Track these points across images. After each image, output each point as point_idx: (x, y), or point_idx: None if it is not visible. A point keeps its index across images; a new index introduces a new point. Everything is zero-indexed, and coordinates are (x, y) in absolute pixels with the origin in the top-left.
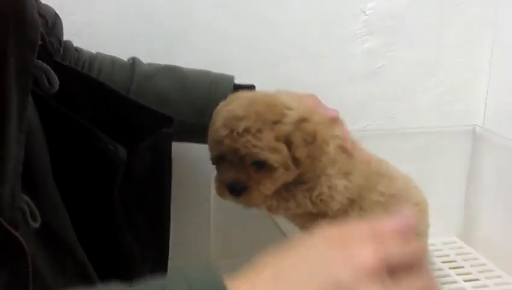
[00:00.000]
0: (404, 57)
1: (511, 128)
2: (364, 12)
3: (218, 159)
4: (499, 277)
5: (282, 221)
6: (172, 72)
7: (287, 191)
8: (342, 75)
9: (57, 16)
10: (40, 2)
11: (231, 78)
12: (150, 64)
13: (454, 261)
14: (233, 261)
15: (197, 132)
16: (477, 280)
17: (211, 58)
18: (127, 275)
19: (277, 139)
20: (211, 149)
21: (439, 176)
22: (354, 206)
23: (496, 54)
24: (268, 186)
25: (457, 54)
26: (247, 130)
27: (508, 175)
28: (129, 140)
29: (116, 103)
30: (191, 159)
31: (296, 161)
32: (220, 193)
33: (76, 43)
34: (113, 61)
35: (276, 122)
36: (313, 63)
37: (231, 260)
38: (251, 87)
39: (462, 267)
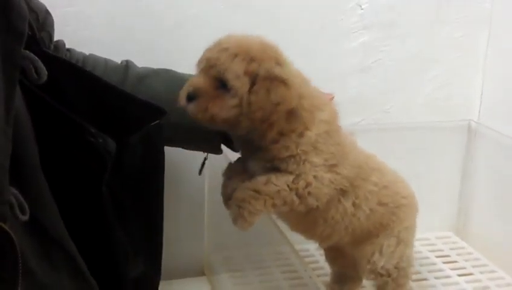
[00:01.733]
0: (399, 52)
1: (505, 124)
2: (360, 7)
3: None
4: (492, 271)
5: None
6: (166, 74)
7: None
8: (337, 69)
9: (48, 13)
10: None
11: None
12: (143, 67)
13: (449, 256)
14: (227, 255)
15: (190, 135)
16: (471, 274)
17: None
18: (119, 270)
19: (245, 72)
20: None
21: (434, 171)
22: (347, 196)
23: (491, 50)
24: (215, 105)
25: (453, 49)
26: (225, 50)
27: (503, 170)
28: (119, 132)
29: (106, 94)
30: (185, 153)
31: (249, 104)
32: (181, 97)
33: (68, 35)
34: (106, 63)
35: (253, 61)
36: (308, 56)
37: (225, 254)
38: None
39: (456, 261)
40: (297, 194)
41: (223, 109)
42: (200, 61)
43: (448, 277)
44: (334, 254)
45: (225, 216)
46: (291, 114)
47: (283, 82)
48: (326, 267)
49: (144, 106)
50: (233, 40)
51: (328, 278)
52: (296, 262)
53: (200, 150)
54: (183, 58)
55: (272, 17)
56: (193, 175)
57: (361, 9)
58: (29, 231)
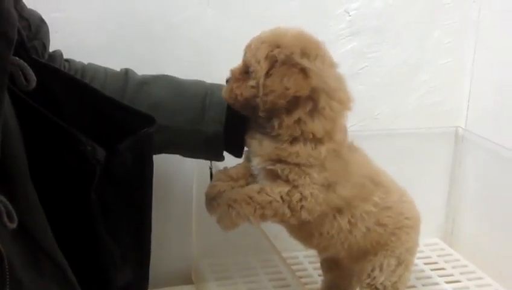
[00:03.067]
0: (387, 58)
1: (493, 130)
2: (348, 13)
3: None
4: (480, 278)
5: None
6: (166, 81)
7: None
8: None
9: (43, 22)
10: (25, 6)
11: None
12: (142, 75)
13: (436, 263)
14: (215, 262)
15: (193, 141)
16: (458, 281)
17: (195, 55)
18: (106, 278)
19: (266, 57)
20: None
21: (422, 177)
22: (343, 214)
23: (478, 56)
24: (238, 87)
25: (440, 56)
26: (260, 38)
27: (490, 176)
28: (109, 140)
29: (95, 101)
30: (174, 161)
31: (264, 86)
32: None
33: (56, 41)
34: (106, 71)
35: (277, 47)
36: None
37: (213, 260)
38: None
39: (444, 269)
40: (289, 207)
41: (244, 90)
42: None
43: (436, 283)
44: (330, 263)
45: (213, 224)
46: (315, 109)
47: (301, 70)
48: (314, 275)
49: (133, 114)
50: (273, 30)
51: (315, 286)
52: (284, 270)
53: (202, 157)
54: (173, 63)
55: (261, 23)
56: (181, 183)
57: (349, 15)
58: (17, 239)
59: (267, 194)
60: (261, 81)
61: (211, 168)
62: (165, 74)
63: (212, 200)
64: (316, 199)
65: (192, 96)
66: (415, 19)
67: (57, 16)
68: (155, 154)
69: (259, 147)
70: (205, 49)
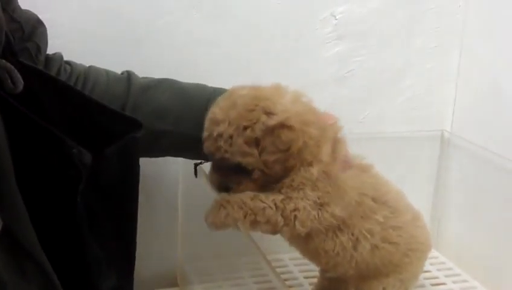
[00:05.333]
0: (373, 62)
1: (478, 134)
2: (335, 17)
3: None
4: (465, 281)
5: None
6: (169, 85)
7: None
8: (311, 79)
9: (39, 23)
10: (18, 7)
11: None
12: (145, 78)
13: None
14: (200, 265)
15: (196, 145)
16: (444, 284)
17: (180, 58)
18: (91, 282)
19: (247, 143)
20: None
21: (407, 181)
22: (342, 231)
23: (463, 60)
24: (248, 185)
25: (426, 60)
26: (220, 136)
27: (475, 180)
28: (95, 144)
29: (82, 105)
30: (159, 164)
31: (266, 164)
32: (214, 189)
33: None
34: (108, 74)
35: (246, 128)
36: (283, 66)
37: (198, 263)
38: None
39: (430, 271)
40: (283, 215)
41: (255, 183)
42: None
43: (421, 286)
44: (334, 286)
45: (199, 227)
46: (300, 150)
47: (284, 127)
48: (299, 278)
49: (120, 118)
50: (218, 118)
51: (301, 289)
52: (269, 272)
53: (199, 159)
54: (157, 66)
55: (246, 27)
56: (167, 186)
57: (336, 19)
58: (1, 242)
59: (261, 200)
60: (265, 169)
61: (195, 165)
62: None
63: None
64: (308, 214)
65: (195, 101)
66: (401, 23)
67: (41, 17)
68: (160, 157)
69: None
70: (190, 52)
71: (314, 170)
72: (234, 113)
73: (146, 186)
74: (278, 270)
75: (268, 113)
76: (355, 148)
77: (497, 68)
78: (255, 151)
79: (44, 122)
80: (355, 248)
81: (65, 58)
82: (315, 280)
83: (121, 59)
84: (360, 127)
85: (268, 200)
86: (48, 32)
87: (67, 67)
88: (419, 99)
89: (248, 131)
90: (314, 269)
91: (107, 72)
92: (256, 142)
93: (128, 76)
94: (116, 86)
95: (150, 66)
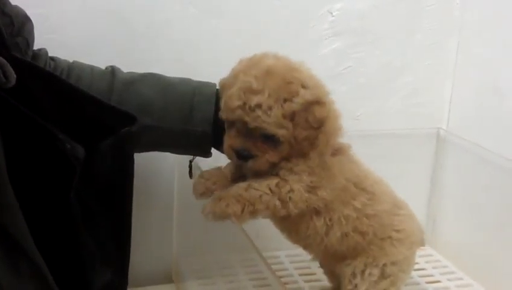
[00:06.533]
0: (370, 59)
1: (474, 132)
2: (332, 13)
3: (229, 122)
4: (460, 279)
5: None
6: (153, 80)
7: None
8: None
9: (27, 19)
10: (8, 2)
11: (213, 84)
12: (129, 73)
13: (417, 263)
14: (195, 261)
15: (181, 140)
16: (439, 282)
17: (176, 54)
18: (85, 279)
19: (284, 116)
20: (223, 112)
21: (403, 179)
22: (320, 216)
23: (460, 58)
24: (273, 156)
25: (423, 57)
26: (258, 106)
27: (471, 178)
28: (89, 139)
29: (76, 100)
30: (154, 158)
31: (296, 139)
32: (228, 155)
33: (36, 37)
34: (92, 70)
35: (286, 100)
36: None
37: (193, 259)
38: None
39: (425, 269)
40: (279, 198)
41: (280, 154)
42: (230, 115)
43: (416, 283)
44: (327, 268)
45: (194, 223)
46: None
47: (318, 103)
48: (294, 275)
49: (114, 112)
50: (255, 88)
51: (296, 286)
52: (264, 269)
53: (190, 154)
54: (154, 62)
55: (243, 23)
56: (162, 181)
57: (333, 16)
58: None
59: (255, 189)
60: (293, 143)
61: (191, 161)
62: (149, 72)
63: (200, 196)
64: (301, 195)
65: (180, 96)
66: (398, 20)
67: (36, 12)
68: (142, 152)
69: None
70: (187, 48)
71: (316, 158)
72: (273, 83)
73: (141, 182)
74: (274, 267)
75: (305, 87)
76: (352, 145)
77: (494, 66)
78: (290, 125)
79: (37, 116)
80: (327, 233)
81: (58, 54)
82: (311, 277)
83: (115, 55)
84: (356, 124)
85: (262, 187)
86: (40, 27)
87: (51, 62)
88: (416, 97)
89: (287, 104)
90: (310, 266)
91: (92, 68)
92: (291, 116)
93: (112, 71)
94: (100, 81)
95: (145, 63)
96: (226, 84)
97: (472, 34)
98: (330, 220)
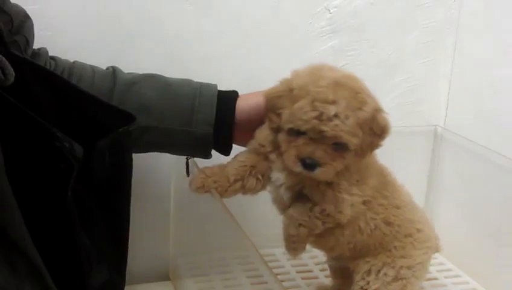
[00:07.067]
0: (367, 56)
1: (471, 129)
2: (329, 11)
3: (295, 132)
4: (457, 276)
5: (240, 219)
6: (154, 81)
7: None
8: None
9: (27, 17)
10: (8, 0)
11: (215, 86)
12: (130, 73)
13: None
14: (192, 259)
15: (181, 141)
16: (435, 279)
17: (171, 51)
18: (82, 278)
19: (357, 125)
20: (289, 122)
21: (400, 176)
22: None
23: (457, 55)
24: (340, 164)
25: (420, 55)
26: (336, 116)
27: (468, 175)
28: (87, 137)
29: (74, 98)
30: (151, 156)
31: (362, 146)
32: (292, 164)
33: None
34: (93, 70)
35: (358, 109)
36: (276, 60)
37: (190, 257)
38: (234, 94)
39: None
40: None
41: (344, 163)
42: (302, 124)
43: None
44: (337, 270)
45: (191, 221)
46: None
47: (379, 111)
48: (291, 273)
49: (113, 111)
50: (331, 98)
51: (293, 283)
52: (261, 267)
53: (190, 155)
54: (149, 59)
55: (240, 21)
56: (159, 179)
57: (330, 13)
58: None
59: (317, 218)
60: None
61: (187, 159)
62: (139, 72)
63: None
64: (352, 208)
65: (181, 97)
66: (395, 18)
67: (30, 9)
68: (143, 153)
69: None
70: (182, 46)
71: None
72: (345, 94)
73: (138, 180)
74: (270, 265)
75: (368, 96)
76: None
77: (491, 63)
78: (361, 133)
79: (36, 115)
80: (361, 230)
81: (54, 51)
82: (308, 275)
83: (111, 52)
84: None
85: (322, 215)
86: (37, 24)
87: (52, 62)
88: (413, 94)
89: (359, 112)
90: (307, 264)
91: (93, 68)
92: (361, 124)
93: (114, 71)
94: (101, 81)
95: (141, 60)
96: (282, 96)
97: (469, 31)
98: (368, 217)
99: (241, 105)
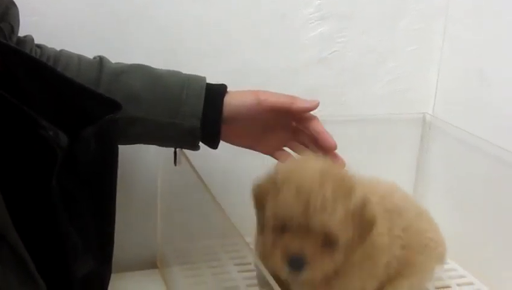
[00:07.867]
0: (356, 44)
1: (460, 117)
2: None
3: (280, 229)
4: (453, 270)
5: (227, 208)
6: (142, 71)
7: None
8: (294, 60)
9: (12, 3)
10: None
11: (203, 78)
12: (117, 63)
13: None
14: (180, 247)
15: (168, 133)
16: None
17: (161, 42)
18: (67, 265)
19: (346, 217)
20: (273, 217)
21: (389, 163)
22: None
23: (446, 43)
24: (328, 264)
25: (409, 42)
26: (324, 207)
27: (457, 163)
28: (72, 126)
29: (59, 85)
30: (138, 145)
31: (353, 241)
32: (278, 267)
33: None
34: (80, 59)
35: (345, 200)
36: (264, 47)
37: (177, 244)
38: (223, 87)
39: None
40: None
41: (334, 262)
42: (287, 219)
43: None
44: None
45: (178, 208)
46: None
47: (368, 203)
48: None
49: (99, 99)
50: (317, 189)
51: None
52: (248, 254)
53: (177, 147)
54: (138, 48)
55: (229, 7)
56: (146, 167)
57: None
58: None
59: None
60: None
61: (175, 149)
62: (126, 62)
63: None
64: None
65: (168, 89)
66: (384, 5)
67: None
68: (130, 144)
69: None
70: (172, 33)
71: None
72: (330, 184)
73: (125, 169)
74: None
75: (353, 188)
76: (337, 130)
77: (480, 51)
78: (351, 226)
79: (20, 102)
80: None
81: (41, 37)
82: None
83: (100, 39)
84: (342, 109)
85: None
86: (23, 9)
87: (38, 50)
88: (402, 82)
89: (346, 202)
90: None
91: (79, 57)
92: (351, 216)
93: (101, 61)
94: (87, 70)
95: (130, 47)
96: (268, 189)
97: (458, 19)
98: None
99: (230, 100)
